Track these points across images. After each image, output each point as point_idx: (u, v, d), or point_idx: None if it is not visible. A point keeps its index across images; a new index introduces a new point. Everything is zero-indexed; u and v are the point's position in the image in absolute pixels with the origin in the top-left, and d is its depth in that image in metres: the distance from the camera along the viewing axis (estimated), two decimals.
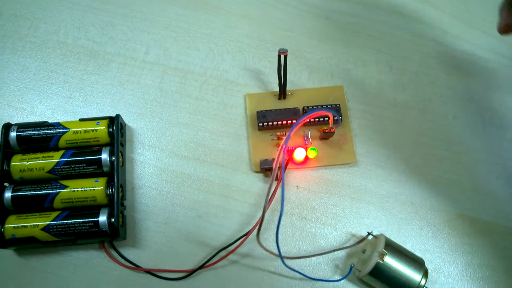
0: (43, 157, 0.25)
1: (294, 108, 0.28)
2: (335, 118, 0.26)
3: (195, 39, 0.31)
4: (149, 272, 0.26)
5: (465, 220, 0.28)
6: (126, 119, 0.29)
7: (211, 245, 0.26)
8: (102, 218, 0.24)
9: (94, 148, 0.26)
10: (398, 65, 0.31)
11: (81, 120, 0.27)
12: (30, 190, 0.25)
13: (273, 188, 0.26)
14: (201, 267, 0.25)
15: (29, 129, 0.26)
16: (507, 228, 0.28)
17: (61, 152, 0.26)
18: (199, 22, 0.31)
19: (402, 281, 0.24)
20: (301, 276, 0.26)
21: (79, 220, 0.24)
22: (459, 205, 0.28)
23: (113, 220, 0.25)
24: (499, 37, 0.32)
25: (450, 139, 0.30)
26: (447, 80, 0.31)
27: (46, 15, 0.31)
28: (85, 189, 0.25)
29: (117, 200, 0.25)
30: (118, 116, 0.27)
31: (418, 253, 0.26)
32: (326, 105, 0.29)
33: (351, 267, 0.25)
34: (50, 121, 0.27)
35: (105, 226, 0.24)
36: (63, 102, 0.29)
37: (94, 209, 0.25)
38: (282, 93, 0.29)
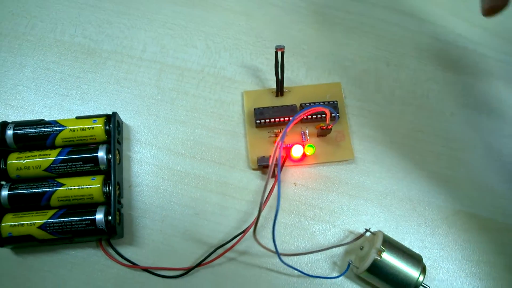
0: (39, 155, 0.25)
1: (292, 105, 0.28)
2: (332, 114, 0.26)
3: (192, 37, 0.31)
4: (146, 270, 0.25)
5: (463, 217, 0.28)
6: (123, 117, 0.29)
7: (209, 243, 0.26)
8: (99, 216, 0.24)
9: (90, 146, 0.26)
10: (396, 61, 0.31)
11: (77, 118, 0.26)
12: (26, 188, 0.25)
13: (269, 185, 0.26)
14: (199, 264, 0.25)
15: (25, 127, 0.26)
16: (505, 224, 0.28)
17: (58, 150, 0.25)
18: (196, 20, 0.31)
19: (400, 277, 0.24)
20: (299, 273, 0.26)
21: (76, 218, 0.24)
22: (457, 201, 0.28)
23: (110, 218, 0.24)
24: (498, 33, 0.32)
25: (447, 135, 0.29)
26: (444, 76, 0.31)
27: (43, 13, 0.31)
28: (82, 187, 0.25)
29: (114, 198, 0.25)
30: (115, 113, 0.27)
31: (416, 250, 0.26)
32: (324, 102, 0.28)
33: (349, 264, 0.25)
34: (47, 119, 0.27)
35: (102, 224, 0.24)
36: (60, 100, 0.29)
37: (91, 207, 0.25)
38: (280, 90, 0.29)
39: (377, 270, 0.24)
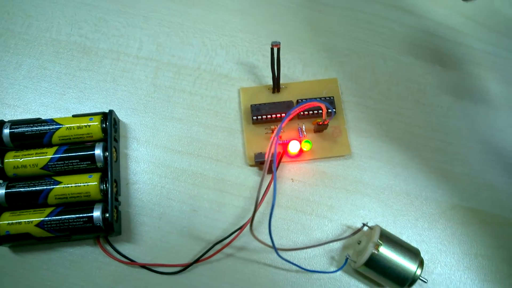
0: (36, 153, 0.25)
1: (288, 101, 0.28)
2: (328, 110, 0.26)
3: (188, 34, 0.31)
4: (144, 266, 0.26)
5: (461, 211, 0.28)
6: (120, 115, 0.29)
7: (206, 239, 0.26)
8: (96, 213, 0.24)
9: (87, 144, 0.26)
10: (392, 57, 0.31)
11: (74, 116, 0.27)
12: (24, 187, 0.25)
13: (266, 181, 0.26)
14: (197, 261, 0.25)
15: (22, 126, 0.26)
16: (502, 217, 0.28)
17: (55, 148, 0.26)
18: (192, 17, 0.31)
19: (397, 271, 0.24)
20: (297, 268, 0.26)
21: (73, 216, 0.24)
22: (454, 195, 0.28)
23: (107, 215, 0.24)
24: (495, 28, 0.32)
25: (444, 130, 0.29)
26: (441, 71, 0.31)
27: (39, 13, 0.31)
28: (79, 184, 0.25)
29: (111, 195, 0.25)
30: (111, 111, 0.27)
31: (414, 244, 0.26)
32: (320, 98, 0.28)
33: (347, 259, 0.25)
34: (43, 117, 0.27)
35: (99, 221, 0.24)
36: (56, 98, 0.29)
37: (88, 205, 0.25)
38: (276, 86, 0.29)
39: (375, 264, 0.24)
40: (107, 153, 0.26)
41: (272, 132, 0.28)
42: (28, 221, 0.24)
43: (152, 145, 0.28)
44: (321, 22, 0.32)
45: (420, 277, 0.24)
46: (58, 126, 0.26)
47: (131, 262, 0.26)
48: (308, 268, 0.26)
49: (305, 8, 0.32)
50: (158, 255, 0.26)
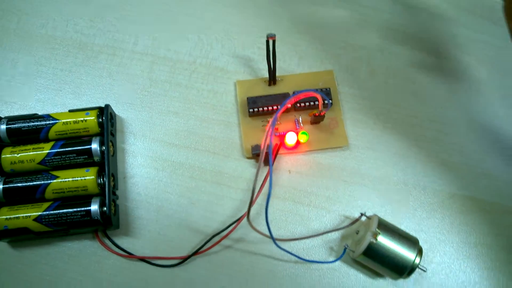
0: (33, 148, 0.25)
1: (284, 93, 0.28)
2: (325, 101, 0.26)
3: (183, 29, 0.31)
4: (143, 259, 0.26)
5: (459, 200, 0.28)
6: (117, 109, 0.29)
7: (205, 232, 0.26)
8: (94, 207, 0.24)
9: (84, 138, 0.26)
10: (388, 48, 0.31)
11: (70, 111, 0.27)
12: (21, 182, 0.25)
13: (263, 172, 0.26)
14: (195, 253, 0.25)
15: (18, 121, 0.26)
16: (501, 205, 0.28)
17: (51, 143, 0.26)
18: (188, 12, 0.31)
19: (396, 260, 0.24)
20: (296, 259, 0.26)
21: (71, 210, 0.24)
22: (452, 184, 0.28)
23: (105, 209, 0.24)
24: (493, 20, 0.32)
25: (441, 120, 0.29)
26: (437, 62, 0.31)
27: (34, 9, 0.31)
28: (76, 178, 0.25)
29: (109, 188, 0.25)
30: (107, 106, 0.27)
31: (413, 234, 0.26)
32: (316, 89, 0.28)
33: (345, 248, 0.25)
34: (40, 113, 0.27)
35: (97, 214, 0.24)
36: (53, 94, 0.29)
37: (85, 199, 0.25)
38: (272, 79, 0.29)
39: (373, 253, 0.24)
40: (104, 147, 0.26)
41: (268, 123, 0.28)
42: (26, 216, 0.24)
43: (149, 139, 0.28)
44: (316, 14, 0.32)
45: (419, 266, 0.24)
46: (55, 121, 0.26)
47: (130, 255, 0.26)
48: (307, 258, 0.26)
49: (299, 1, 0.32)
50: (156, 248, 0.26)
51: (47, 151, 0.25)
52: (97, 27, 0.31)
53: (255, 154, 0.27)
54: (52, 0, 0.31)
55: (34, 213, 0.24)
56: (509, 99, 0.30)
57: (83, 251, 0.26)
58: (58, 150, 0.25)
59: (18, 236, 0.25)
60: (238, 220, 0.25)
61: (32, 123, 0.26)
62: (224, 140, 0.28)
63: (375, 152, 0.29)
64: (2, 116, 0.26)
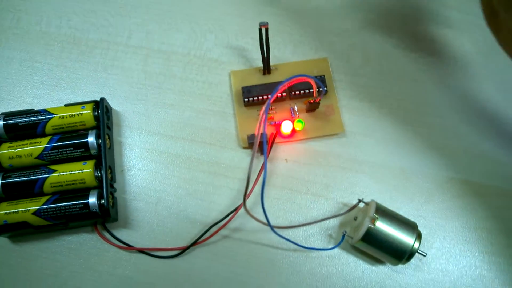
0: (30, 143, 0.25)
1: (279, 82, 0.28)
2: (320, 89, 0.26)
3: (176, 21, 0.31)
4: (142, 251, 0.26)
5: (457, 184, 0.28)
6: (112, 103, 0.29)
7: (203, 222, 0.26)
8: (92, 200, 0.24)
9: (80, 132, 0.26)
10: (383, 35, 0.31)
11: (66, 105, 0.27)
12: (19, 176, 0.25)
13: (260, 160, 0.26)
14: (194, 243, 0.25)
15: (15, 117, 0.26)
16: (499, 188, 0.28)
17: (48, 137, 0.26)
18: (180, 3, 0.31)
19: (395, 244, 0.24)
20: (295, 247, 0.26)
21: (70, 203, 0.24)
22: (450, 169, 0.28)
23: (103, 201, 0.25)
24: None
25: (437, 104, 0.29)
26: (431, 46, 0.31)
27: (28, 6, 0.31)
28: (74, 172, 0.25)
29: (106, 181, 0.25)
30: (102, 99, 0.27)
31: (412, 219, 0.26)
32: (309, 75, 0.28)
33: (344, 235, 0.25)
34: (37, 109, 0.27)
35: (95, 207, 0.24)
36: (49, 90, 0.29)
37: (83, 192, 0.25)
38: (266, 68, 0.29)
39: (372, 238, 0.24)
40: (101, 140, 0.26)
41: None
42: (25, 210, 0.24)
43: (146, 131, 0.28)
44: (309, 3, 0.32)
45: (418, 250, 0.24)
46: (51, 116, 0.26)
47: (129, 247, 0.26)
48: (305, 246, 0.26)
49: None
50: (155, 240, 0.26)
51: (44, 146, 0.25)
52: (90, 22, 0.31)
53: (251, 143, 0.27)
54: None
55: (33, 207, 0.24)
56: (504, 84, 0.30)
57: (82, 244, 0.26)
58: (55, 144, 0.25)
59: (18, 231, 0.25)
60: (236, 209, 0.25)
61: (29, 118, 0.26)
62: (220, 130, 0.28)
63: (372, 139, 0.28)
64: None
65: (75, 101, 0.28)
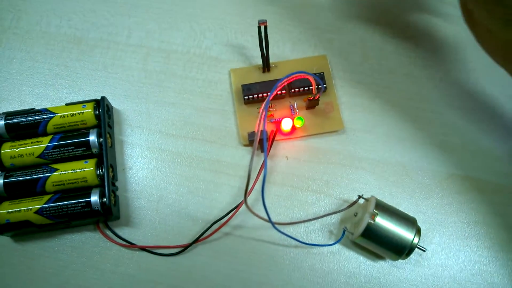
0: (32, 142, 0.26)
1: (279, 79, 0.28)
2: (318, 86, 0.26)
3: (176, 19, 0.31)
4: (144, 249, 0.26)
5: (456, 180, 0.28)
6: (113, 102, 0.29)
7: (205, 219, 0.26)
8: (94, 198, 0.25)
9: (82, 130, 0.26)
10: (382, 31, 0.31)
11: (67, 104, 0.27)
12: (21, 176, 0.25)
13: (260, 157, 0.26)
14: (195, 241, 0.26)
15: (16, 116, 0.26)
16: (498, 184, 0.28)
17: (50, 136, 0.26)
18: (180, 2, 0.31)
19: (394, 239, 0.24)
20: (296, 243, 0.26)
21: (72, 202, 0.24)
22: (450, 165, 0.28)
23: (105, 199, 0.25)
24: None
25: (436, 101, 0.29)
26: (430, 42, 0.31)
27: (28, 6, 0.31)
28: (75, 170, 0.25)
29: (108, 179, 0.25)
30: (103, 98, 0.27)
31: (411, 215, 0.26)
32: (308, 72, 0.28)
33: (344, 231, 0.26)
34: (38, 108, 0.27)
35: (97, 205, 0.24)
36: (50, 90, 0.29)
37: (85, 190, 0.25)
38: (266, 65, 0.29)
39: (372, 234, 0.24)
40: (102, 139, 0.26)
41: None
42: (27, 209, 0.24)
43: (146, 130, 0.28)
44: (308, 0, 0.32)
45: (418, 246, 0.24)
46: (52, 115, 0.26)
47: (131, 245, 0.26)
48: (306, 242, 0.26)
49: None
50: (157, 237, 0.26)
51: (46, 145, 0.25)
52: (90, 21, 0.31)
53: (251, 141, 0.27)
54: None
55: (35, 206, 0.24)
56: (502, 79, 0.30)
57: (85, 243, 0.26)
58: (57, 143, 0.26)
59: (20, 230, 0.25)
60: (237, 206, 0.26)
61: (30, 118, 0.26)
62: (221, 128, 0.28)
63: (371, 135, 0.29)
64: (0, 112, 0.27)
65: (75, 100, 0.28)
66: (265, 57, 0.28)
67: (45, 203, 0.24)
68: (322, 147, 0.28)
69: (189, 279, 0.26)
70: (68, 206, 0.24)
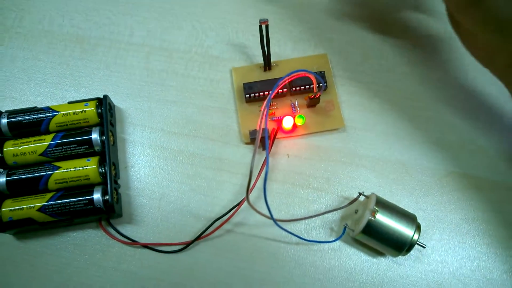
0: (34, 140, 0.26)
1: (280, 78, 0.29)
2: (320, 84, 0.26)
3: (177, 18, 0.31)
4: (146, 246, 0.26)
5: (456, 177, 0.28)
6: (115, 100, 0.29)
7: (206, 217, 0.27)
8: (97, 195, 0.25)
9: (84, 129, 0.26)
10: (381, 31, 0.31)
11: (69, 103, 0.27)
12: (24, 174, 0.25)
13: (262, 155, 0.27)
14: (197, 238, 0.26)
15: (19, 114, 0.26)
16: (497, 181, 0.28)
17: (52, 134, 0.26)
18: (181, 2, 0.32)
19: (395, 236, 0.24)
20: (297, 240, 0.26)
21: (74, 199, 0.25)
22: (449, 162, 0.28)
23: (107, 197, 0.25)
24: None
25: (435, 100, 0.30)
26: (429, 42, 0.31)
27: (31, 5, 0.31)
28: (78, 168, 0.25)
29: (110, 177, 0.25)
30: (106, 96, 0.27)
31: (411, 212, 0.26)
32: (309, 71, 0.29)
33: (345, 228, 0.26)
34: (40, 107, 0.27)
35: (100, 203, 0.25)
36: (52, 88, 0.29)
37: (88, 188, 0.25)
38: (267, 64, 0.29)
39: (372, 230, 0.24)
40: (104, 137, 0.26)
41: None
42: (29, 207, 0.24)
43: (148, 128, 0.29)
44: (308, 0, 0.32)
45: (418, 242, 0.25)
46: (55, 113, 0.26)
47: (134, 242, 0.26)
48: (308, 238, 0.26)
49: None
50: (159, 235, 0.26)
51: (48, 143, 0.26)
52: (92, 20, 0.31)
53: (253, 139, 0.28)
54: None
55: (38, 204, 0.25)
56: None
57: (87, 240, 0.26)
58: (59, 141, 0.26)
59: (23, 227, 0.25)
60: (239, 204, 0.26)
61: (33, 116, 0.26)
62: (223, 126, 0.29)
63: (372, 133, 0.29)
64: (3, 111, 0.27)
65: (78, 99, 0.28)
66: (266, 56, 0.28)
67: (47, 201, 0.25)
68: (323, 145, 0.29)
69: (191, 276, 0.26)
70: (71, 203, 0.25)
